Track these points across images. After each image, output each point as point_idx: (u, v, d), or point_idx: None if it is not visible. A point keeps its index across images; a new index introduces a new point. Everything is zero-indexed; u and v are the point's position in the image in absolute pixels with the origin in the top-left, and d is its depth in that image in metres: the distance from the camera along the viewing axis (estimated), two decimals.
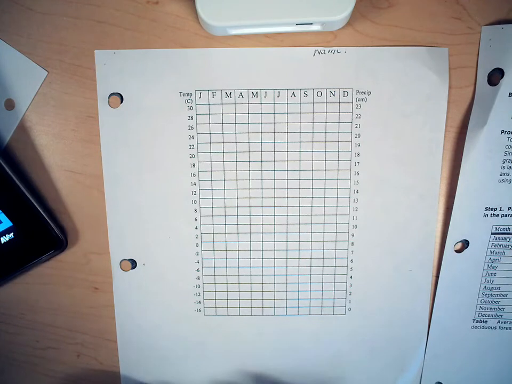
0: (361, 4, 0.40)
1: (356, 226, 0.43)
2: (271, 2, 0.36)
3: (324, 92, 0.41)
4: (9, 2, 0.40)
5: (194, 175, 0.42)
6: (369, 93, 0.41)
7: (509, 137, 0.40)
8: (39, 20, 0.40)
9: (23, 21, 0.40)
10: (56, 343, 0.46)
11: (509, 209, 0.41)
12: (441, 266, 0.43)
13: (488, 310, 0.43)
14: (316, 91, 0.41)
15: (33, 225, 0.41)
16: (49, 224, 0.42)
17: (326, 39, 0.40)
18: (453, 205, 0.41)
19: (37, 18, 0.40)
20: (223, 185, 0.42)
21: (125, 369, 0.46)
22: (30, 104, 0.41)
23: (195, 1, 0.36)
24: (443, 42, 0.40)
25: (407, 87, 0.40)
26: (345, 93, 0.41)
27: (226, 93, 0.41)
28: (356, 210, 0.42)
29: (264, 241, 0.43)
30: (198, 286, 0.44)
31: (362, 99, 0.41)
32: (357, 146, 0.41)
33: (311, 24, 0.38)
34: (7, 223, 0.41)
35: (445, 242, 0.42)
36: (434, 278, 0.43)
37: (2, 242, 0.41)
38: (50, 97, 0.41)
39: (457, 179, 0.41)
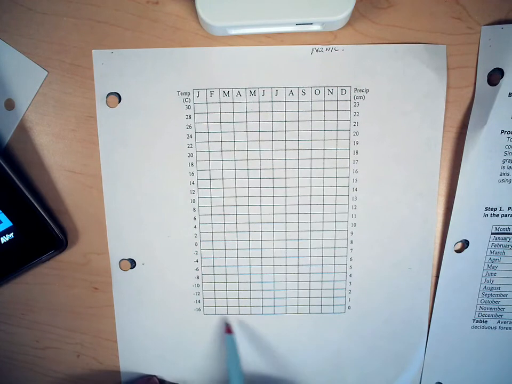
0: (361, 3, 0.40)
1: (354, 225, 0.43)
2: (271, 2, 0.36)
3: (321, 90, 0.41)
4: (10, 2, 0.40)
5: (192, 174, 0.42)
6: (367, 91, 0.41)
7: (509, 137, 0.40)
8: (39, 20, 0.40)
9: (24, 21, 0.40)
10: (56, 343, 0.46)
11: (509, 209, 0.41)
12: (441, 266, 0.43)
13: (488, 310, 0.43)
14: (314, 89, 0.41)
15: (33, 225, 0.41)
16: (49, 224, 0.42)
17: (326, 39, 0.40)
18: (453, 205, 0.41)
19: (37, 18, 0.40)
20: (221, 184, 0.42)
21: (125, 369, 0.46)
22: (30, 104, 0.41)
23: (195, 1, 0.36)
24: (443, 42, 0.40)
25: (405, 84, 0.40)
26: (343, 91, 0.41)
27: (224, 92, 0.41)
28: (355, 209, 0.42)
29: (263, 240, 0.43)
30: (198, 285, 0.44)
31: (360, 97, 0.41)
32: (355, 144, 0.41)
33: (311, 24, 0.38)
34: (7, 223, 0.41)
35: (445, 242, 0.42)
36: (434, 278, 0.43)
37: (2, 242, 0.41)
38: (50, 97, 0.41)
39: (457, 179, 0.41)
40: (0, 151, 0.42)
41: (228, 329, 0.43)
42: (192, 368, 0.46)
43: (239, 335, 0.45)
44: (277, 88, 0.41)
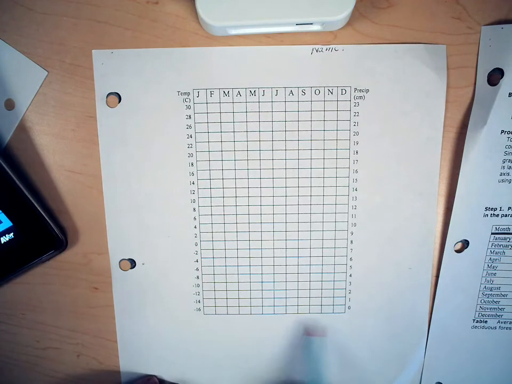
0: (361, 4, 0.40)
1: (354, 225, 0.43)
2: (271, 2, 0.36)
3: (322, 90, 0.41)
4: (9, 2, 0.40)
5: (192, 174, 0.42)
6: (367, 91, 0.41)
7: (509, 137, 0.40)
8: (39, 19, 0.40)
9: (23, 21, 0.40)
10: (56, 343, 0.46)
11: (509, 209, 0.41)
12: (441, 266, 0.43)
13: (488, 310, 0.43)
14: (314, 89, 0.41)
15: (33, 225, 0.41)
16: (49, 224, 0.42)
17: (326, 39, 0.40)
18: (453, 205, 0.41)
19: (37, 18, 0.40)
20: (221, 184, 0.42)
21: (125, 369, 0.46)
22: (30, 104, 0.41)
23: (195, 1, 0.36)
24: (443, 42, 0.40)
25: (405, 84, 0.40)
26: (343, 91, 0.41)
27: (224, 92, 0.41)
28: (355, 209, 0.42)
29: (263, 240, 0.43)
30: (197, 285, 0.44)
31: (360, 97, 0.41)
32: (356, 144, 0.41)
33: (311, 24, 0.38)
34: (7, 223, 0.41)
35: (445, 242, 0.42)
36: (434, 278, 0.43)
37: (2, 242, 0.41)
38: (50, 97, 0.41)
39: (457, 179, 0.41)
40: (0, 151, 0.42)
41: (313, 332, 0.43)
42: (192, 368, 0.46)
43: (240, 334, 0.45)
44: (277, 88, 0.41)
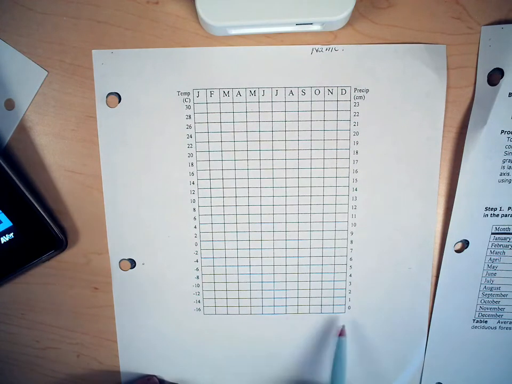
0: (361, 4, 0.40)
1: (354, 225, 0.43)
2: (271, 2, 0.36)
3: (321, 90, 0.41)
4: (9, 2, 0.40)
5: (192, 174, 0.42)
6: (367, 91, 0.41)
7: (509, 137, 0.40)
8: (39, 19, 0.40)
9: (23, 21, 0.40)
10: (56, 343, 0.46)
11: (509, 209, 0.41)
12: (441, 266, 0.43)
13: (488, 310, 0.43)
14: (313, 89, 0.41)
15: (33, 225, 0.41)
16: (49, 224, 0.42)
17: (326, 39, 0.40)
18: (453, 205, 0.41)
19: (37, 18, 0.40)
20: (221, 184, 0.42)
21: (125, 369, 0.46)
22: (30, 104, 0.41)
23: (195, 1, 0.36)
24: (443, 42, 0.40)
25: (405, 84, 0.40)
26: (343, 91, 0.41)
27: (224, 92, 0.41)
28: (355, 209, 0.42)
29: (263, 240, 0.43)
30: (197, 285, 0.44)
31: (360, 97, 0.41)
32: (355, 144, 0.41)
33: (311, 24, 0.38)
34: (7, 223, 0.41)
35: (445, 242, 0.42)
36: (434, 278, 0.43)
37: (2, 242, 0.41)
38: (50, 97, 0.41)
39: (457, 179, 0.41)
40: (0, 151, 0.42)
41: (342, 332, 0.43)
42: (192, 368, 0.46)
43: (240, 334, 0.45)
44: (277, 88, 0.41)
